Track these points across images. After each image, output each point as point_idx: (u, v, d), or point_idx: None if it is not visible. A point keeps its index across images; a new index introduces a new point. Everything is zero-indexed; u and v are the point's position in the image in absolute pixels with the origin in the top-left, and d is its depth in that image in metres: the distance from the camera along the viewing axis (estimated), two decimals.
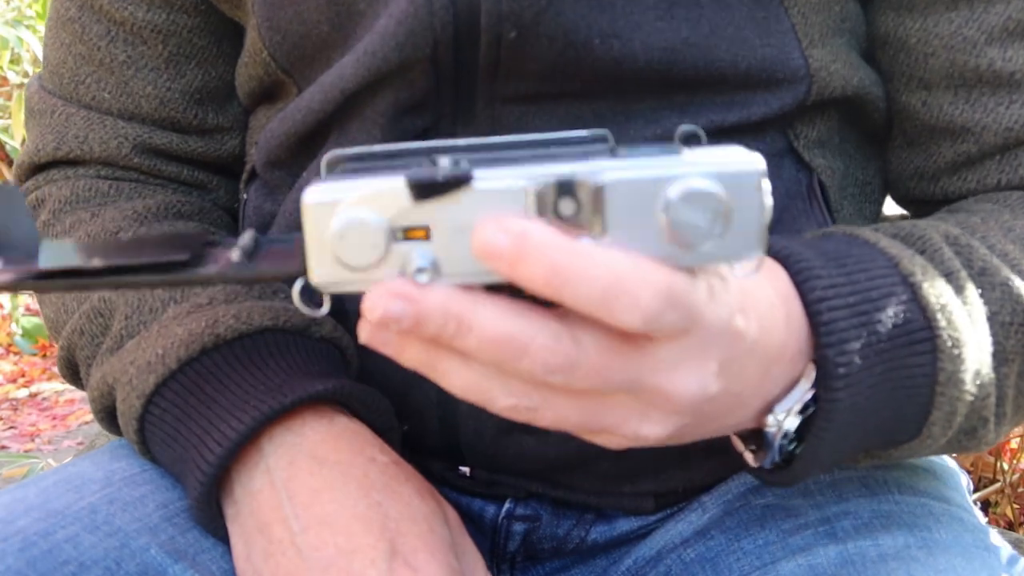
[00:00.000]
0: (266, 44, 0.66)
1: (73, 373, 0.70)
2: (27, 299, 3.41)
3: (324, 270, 0.41)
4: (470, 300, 0.40)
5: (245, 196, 0.74)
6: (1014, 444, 1.59)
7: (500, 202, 0.40)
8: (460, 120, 0.60)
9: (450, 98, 0.60)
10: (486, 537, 0.70)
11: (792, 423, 0.50)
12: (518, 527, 0.69)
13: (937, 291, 0.52)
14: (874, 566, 0.57)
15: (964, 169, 0.66)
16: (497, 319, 0.40)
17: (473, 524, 0.68)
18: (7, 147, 3.00)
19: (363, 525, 0.54)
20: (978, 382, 0.53)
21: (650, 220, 0.40)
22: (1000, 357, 0.54)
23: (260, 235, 0.45)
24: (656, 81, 0.59)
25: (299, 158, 0.67)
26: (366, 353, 0.52)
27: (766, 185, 0.40)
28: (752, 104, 0.61)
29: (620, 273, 0.39)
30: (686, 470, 0.67)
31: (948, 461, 0.73)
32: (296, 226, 0.42)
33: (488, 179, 0.40)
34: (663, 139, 0.47)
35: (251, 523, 0.56)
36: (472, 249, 0.40)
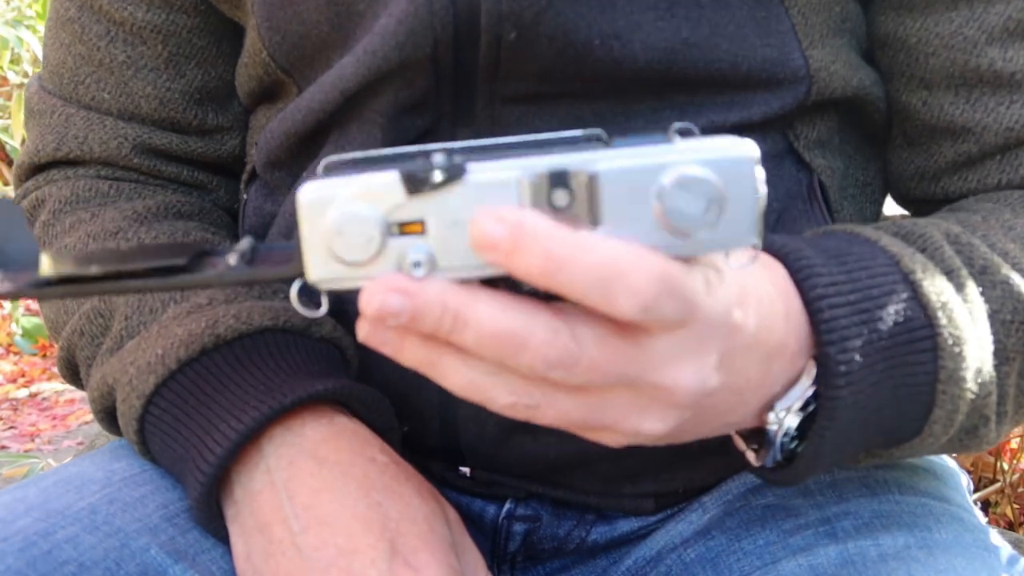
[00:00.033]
0: (266, 44, 0.66)
1: (73, 373, 0.70)
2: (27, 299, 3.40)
3: (320, 267, 0.41)
4: (468, 295, 0.40)
5: (245, 196, 0.74)
6: (1014, 444, 1.59)
7: (494, 194, 0.40)
8: (460, 120, 0.60)
9: (450, 98, 0.60)
10: (486, 537, 0.70)
11: (793, 421, 0.50)
12: (518, 527, 0.69)
13: (938, 289, 0.52)
14: (874, 566, 0.57)
15: (965, 169, 0.66)
16: (496, 314, 0.40)
17: (473, 524, 0.68)
18: (7, 147, 3.01)
19: (363, 525, 0.54)
20: (979, 380, 0.53)
21: (644, 209, 0.40)
22: (1001, 355, 0.54)
23: (258, 242, 0.45)
24: (656, 81, 0.59)
25: (299, 158, 0.67)
26: (366, 353, 0.52)
27: (760, 172, 0.40)
28: (752, 104, 0.61)
29: (616, 261, 0.39)
30: (686, 470, 0.67)
31: (948, 461, 0.73)
32: (296, 226, 0.43)
33: (481, 172, 0.40)
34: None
35: (251, 523, 0.56)
36: (469, 241, 0.40)
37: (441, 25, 0.57)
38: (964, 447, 0.56)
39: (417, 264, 0.40)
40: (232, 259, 0.43)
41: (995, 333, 0.54)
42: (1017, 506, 1.58)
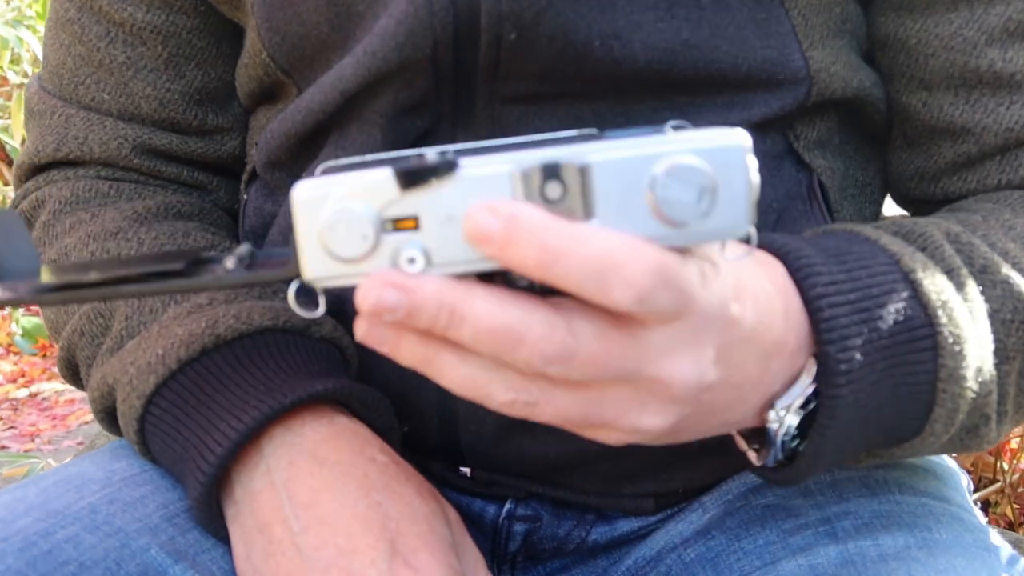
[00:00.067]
0: (266, 45, 0.66)
1: (73, 373, 0.70)
2: None
3: (316, 264, 0.42)
4: (464, 290, 0.40)
5: (245, 197, 0.74)
6: (1014, 444, 1.59)
7: (486, 188, 0.40)
8: (460, 120, 0.60)
9: (450, 98, 0.60)
10: (486, 537, 0.70)
11: (793, 419, 0.50)
12: (519, 527, 0.69)
13: (938, 288, 0.52)
14: (874, 566, 0.57)
15: (964, 170, 0.66)
16: (492, 309, 0.40)
17: (473, 524, 0.68)
18: (7, 147, 3.01)
19: (363, 525, 0.54)
20: (980, 379, 0.53)
21: (637, 199, 0.40)
22: (1001, 355, 0.54)
23: (256, 248, 0.45)
24: (656, 82, 0.59)
25: (299, 159, 0.67)
26: (366, 353, 0.52)
27: (752, 161, 0.40)
28: (752, 105, 0.61)
29: (611, 251, 0.39)
30: (686, 470, 0.67)
31: (948, 461, 0.73)
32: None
33: (474, 166, 0.40)
34: None
35: (251, 523, 0.56)
36: (464, 235, 0.40)
37: (441, 26, 0.57)
38: (965, 447, 0.56)
39: (412, 260, 0.41)
40: (230, 263, 0.43)
41: (995, 332, 0.54)
42: (1017, 506, 1.58)
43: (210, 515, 0.58)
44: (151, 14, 0.72)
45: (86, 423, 2.88)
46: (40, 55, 2.21)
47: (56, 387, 3.14)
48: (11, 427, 2.92)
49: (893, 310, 0.50)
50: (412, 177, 0.40)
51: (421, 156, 0.41)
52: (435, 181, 0.40)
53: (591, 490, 0.67)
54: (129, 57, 0.73)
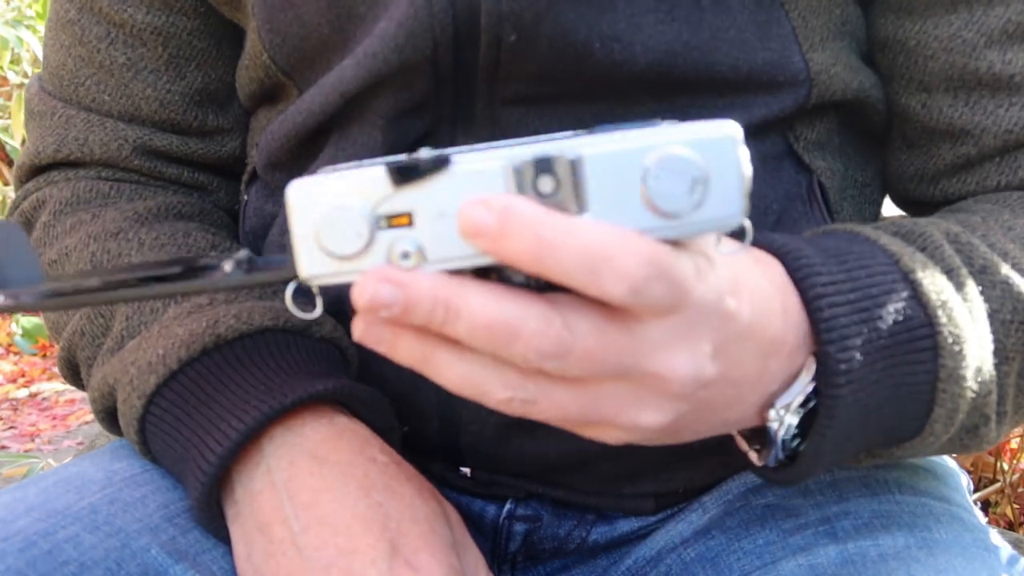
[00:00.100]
0: (266, 46, 0.66)
1: (74, 373, 0.70)
2: None
3: (311, 262, 0.42)
4: (459, 285, 0.40)
5: (246, 197, 0.74)
6: (1014, 444, 1.59)
7: (479, 183, 0.40)
8: (460, 121, 0.61)
9: (450, 99, 0.60)
10: (487, 537, 0.70)
11: (793, 419, 0.50)
12: (519, 527, 0.69)
13: (938, 288, 0.52)
14: (874, 566, 0.57)
15: (964, 171, 0.66)
16: (487, 304, 0.40)
17: (474, 524, 0.68)
18: (7, 147, 3.00)
19: (363, 525, 0.54)
20: (979, 379, 0.53)
21: (630, 192, 0.40)
22: (1001, 355, 0.54)
23: (255, 254, 0.46)
24: (656, 84, 0.59)
25: (300, 160, 0.67)
26: (366, 354, 0.52)
27: (744, 152, 0.41)
28: (752, 107, 0.61)
29: (605, 244, 0.39)
30: (686, 470, 0.67)
31: (948, 461, 0.73)
32: None
33: (466, 161, 0.40)
34: None
35: (252, 523, 0.56)
36: (458, 229, 0.40)
37: (441, 28, 0.57)
38: (964, 447, 0.56)
39: (406, 255, 0.41)
40: (228, 266, 0.44)
41: (995, 332, 0.54)
42: (1017, 506, 1.58)
43: (211, 515, 0.58)
44: (151, 15, 0.72)
45: (86, 423, 2.88)
46: (40, 55, 2.21)
47: (56, 387, 3.14)
48: (11, 427, 2.92)
49: (893, 310, 0.50)
50: (405, 173, 0.40)
51: (414, 154, 0.41)
52: (428, 177, 0.40)
53: (591, 490, 0.67)
54: (129, 58, 0.73)
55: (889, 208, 0.73)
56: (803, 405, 0.50)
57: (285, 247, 0.43)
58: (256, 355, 0.59)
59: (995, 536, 0.63)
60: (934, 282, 0.52)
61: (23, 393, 3.15)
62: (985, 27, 0.62)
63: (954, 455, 0.76)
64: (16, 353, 3.43)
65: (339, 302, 0.62)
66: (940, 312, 0.51)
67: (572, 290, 0.40)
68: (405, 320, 0.40)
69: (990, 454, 1.58)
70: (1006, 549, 0.62)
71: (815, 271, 0.50)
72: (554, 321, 0.40)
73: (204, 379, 0.58)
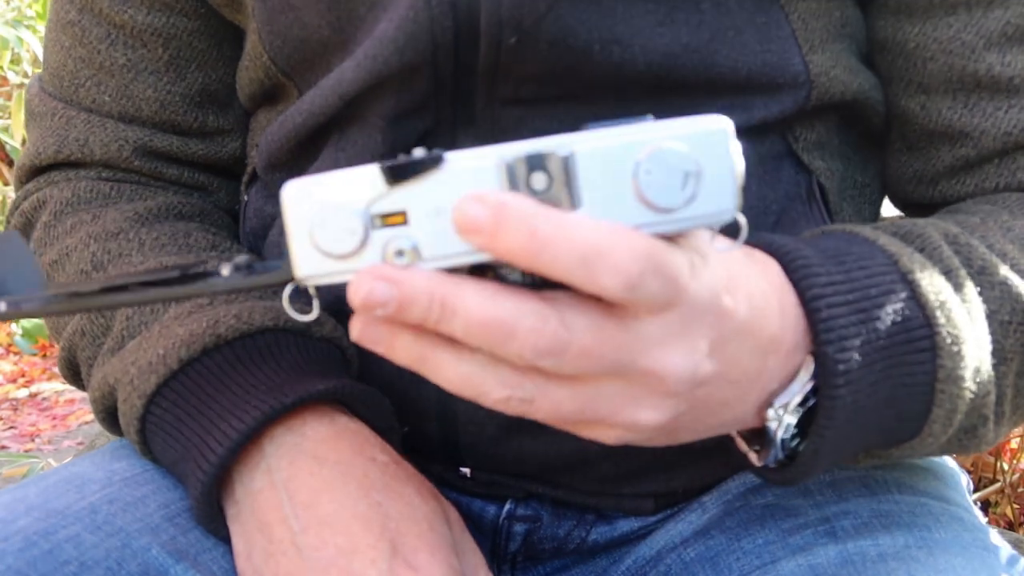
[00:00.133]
0: (266, 48, 0.66)
1: (74, 374, 0.70)
2: None
3: (307, 262, 0.42)
4: (454, 283, 0.40)
5: (246, 198, 0.74)
6: (1014, 444, 1.59)
7: (472, 180, 0.40)
8: (460, 122, 0.61)
9: (450, 100, 0.60)
10: (486, 537, 0.70)
11: (792, 419, 0.50)
12: (519, 528, 0.69)
13: (936, 288, 0.52)
14: (874, 566, 0.58)
15: (963, 173, 0.66)
16: (483, 301, 0.40)
17: (473, 525, 0.69)
18: (7, 147, 3.00)
19: (363, 525, 0.54)
20: (978, 379, 0.53)
21: (622, 187, 0.40)
22: (999, 356, 0.54)
23: (253, 259, 0.46)
24: (656, 86, 0.59)
25: (300, 160, 0.68)
26: (366, 354, 0.52)
27: (735, 145, 0.41)
28: (752, 108, 0.61)
29: (600, 239, 0.39)
30: (686, 470, 0.67)
31: (948, 461, 0.73)
32: None
33: (460, 159, 0.40)
34: None
35: (252, 523, 0.56)
36: (453, 226, 0.40)
37: (441, 30, 0.57)
38: (963, 447, 0.56)
39: (401, 253, 0.41)
40: (226, 270, 0.44)
41: (993, 333, 0.54)
42: (1017, 506, 1.58)
43: (211, 514, 0.58)
44: (152, 16, 0.72)
45: (86, 423, 2.88)
46: (40, 55, 2.21)
47: (56, 387, 3.14)
48: (11, 427, 2.92)
49: (891, 310, 0.50)
50: (399, 172, 0.41)
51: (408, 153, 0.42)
52: (422, 175, 0.41)
53: (591, 490, 0.67)
54: (130, 59, 0.73)
55: (888, 210, 0.73)
56: (801, 405, 0.50)
57: (284, 249, 0.43)
58: (256, 355, 0.59)
59: (995, 536, 0.63)
60: (933, 283, 0.52)
61: (23, 393, 3.15)
62: (984, 29, 0.62)
63: (954, 455, 0.76)
64: (16, 353, 3.43)
65: (339, 302, 0.62)
66: (938, 313, 0.51)
67: (568, 288, 0.41)
68: (401, 318, 0.40)
69: (990, 454, 1.58)
70: (1006, 549, 0.62)
71: (813, 271, 0.50)
72: (550, 318, 0.40)
73: (204, 379, 0.58)
